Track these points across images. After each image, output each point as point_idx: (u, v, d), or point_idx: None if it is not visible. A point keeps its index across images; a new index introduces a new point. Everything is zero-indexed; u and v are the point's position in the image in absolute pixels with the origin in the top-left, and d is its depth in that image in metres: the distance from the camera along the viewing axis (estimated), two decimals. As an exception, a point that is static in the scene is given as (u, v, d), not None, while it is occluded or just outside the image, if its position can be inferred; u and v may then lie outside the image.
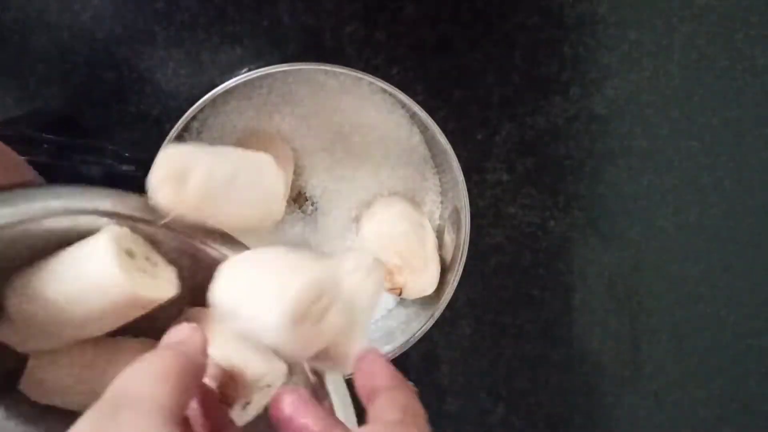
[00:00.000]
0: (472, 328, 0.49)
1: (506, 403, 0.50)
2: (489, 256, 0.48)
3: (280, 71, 0.39)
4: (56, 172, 0.38)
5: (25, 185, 0.28)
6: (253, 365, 0.29)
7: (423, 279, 0.42)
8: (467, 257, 0.41)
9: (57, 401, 0.30)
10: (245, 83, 0.38)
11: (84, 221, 0.28)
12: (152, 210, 0.28)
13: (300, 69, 0.39)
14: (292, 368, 0.31)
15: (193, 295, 0.30)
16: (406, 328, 0.43)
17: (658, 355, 0.50)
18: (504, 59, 0.46)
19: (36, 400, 0.30)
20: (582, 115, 0.47)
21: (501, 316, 0.49)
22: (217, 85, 0.38)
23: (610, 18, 0.46)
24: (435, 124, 0.40)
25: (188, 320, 0.28)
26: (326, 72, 0.43)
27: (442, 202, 0.46)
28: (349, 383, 0.30)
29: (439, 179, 0.46)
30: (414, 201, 0.46)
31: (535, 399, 0.50)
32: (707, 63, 0.46)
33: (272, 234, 0.45)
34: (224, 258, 0.30)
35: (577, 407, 0.50)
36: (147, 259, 0.29)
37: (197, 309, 0.31)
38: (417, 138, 0.45)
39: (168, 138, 0.38)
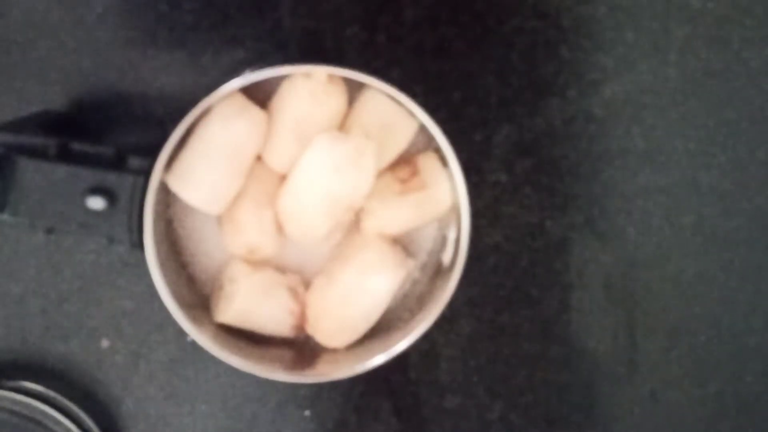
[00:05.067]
0: (471, 327, 0.49)
1: (504, 400, 0.50)
2: (488, 256, 0.48)
3: (281, 73, 0.39)
4: (59, 174, 0.39)
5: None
6: None
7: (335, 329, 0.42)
8: (466, 257, 0.41)
9: None
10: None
11: None
12: None
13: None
14: None
15: None
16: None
17: (655, 353, 0.50)
18: (502, 61, 0.46)
19: None
20: (579, 116, 0.47)
21: (499, 315, 0.49)
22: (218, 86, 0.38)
23: (608, 21, 0.46)
24: (435, 125, 0.40)
25: None
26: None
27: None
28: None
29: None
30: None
31: (532, 396, 0.50)
32: (703, 65, 0.47)
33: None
34: None
35: (575, 405, 0.51)
36: None
37: None
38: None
39: (170, 139, 0.38)
